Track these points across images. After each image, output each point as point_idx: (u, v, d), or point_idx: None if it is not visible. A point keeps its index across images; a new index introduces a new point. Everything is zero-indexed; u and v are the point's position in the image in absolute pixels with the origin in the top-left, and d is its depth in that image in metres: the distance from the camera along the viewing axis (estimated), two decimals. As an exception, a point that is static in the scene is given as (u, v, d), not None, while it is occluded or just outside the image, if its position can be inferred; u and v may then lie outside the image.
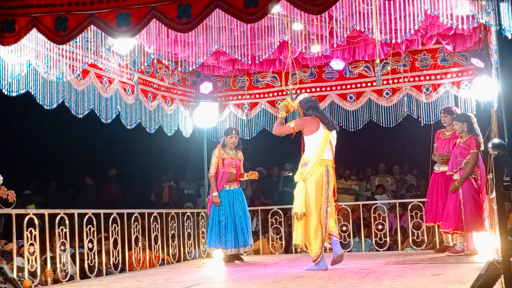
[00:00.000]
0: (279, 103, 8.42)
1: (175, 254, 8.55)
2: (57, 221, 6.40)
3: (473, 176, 7.13)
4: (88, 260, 6.80)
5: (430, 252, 7.92)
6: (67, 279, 6.55)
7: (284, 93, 8.95)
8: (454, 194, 7.18)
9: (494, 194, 6.15)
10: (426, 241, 8.48)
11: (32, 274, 6.09)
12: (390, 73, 8.53)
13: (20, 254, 6.74)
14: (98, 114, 7.11)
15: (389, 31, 6.26)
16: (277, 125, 6.70)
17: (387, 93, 8.72)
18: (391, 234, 9.27)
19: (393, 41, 6.89)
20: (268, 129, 9.22)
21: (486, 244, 7.02)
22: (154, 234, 8.10)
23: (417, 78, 8.57)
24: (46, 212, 6.34)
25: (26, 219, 6.01)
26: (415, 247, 8.50)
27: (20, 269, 6.15)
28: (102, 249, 7.42)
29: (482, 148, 7.17)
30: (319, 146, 6.30)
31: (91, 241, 6.85)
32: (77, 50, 6.21)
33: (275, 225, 9.28)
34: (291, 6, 5.33)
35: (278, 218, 9.23)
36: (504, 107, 4.54)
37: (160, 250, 8.29)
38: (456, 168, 7.22)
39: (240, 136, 8.29)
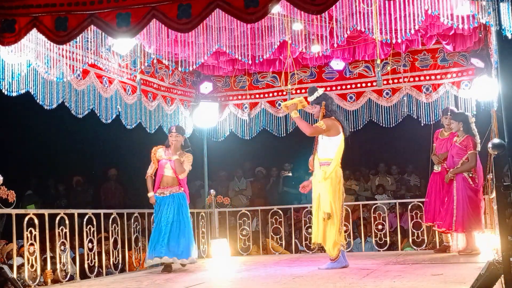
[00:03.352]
0: (280, 103, 8.38)
1: (175, 254, 8.52)
2: (57, 221, 6.41)
3: (470, 175, 7.15)
4: (88, 260, 6.80)
5: (430, 252, 7.92)
6: (67, 279, 6.55)
7: (284, 93, 8.95)
8: (449, 193, 7.21)
9: (494, 194, 6.15)
10: (426, 241, 8.48)
11: (32, 274, 6.09)
12: (390, 73, 8.53)
13: (20, 254, 6.73)
14: (98, 114, 7.11)
15: (389, 31, 6.26)
16: (307, 126, 6.42)
17: (387, 93, 8.72)
18: (391, 234, 9.26)
19: (393, 41, 6.89)
20: (268, 129, 9.22)
21: (486, 244, 7.02)
22: (154, 234, 8.07)
23: (417, 78, 8.57)
24: (46, 212, 6.34)
25: (26, 219, 6.01)
26: (415, 247, 8.50)
27: (20, 269, 6.14)
28: (102, 249, 7.42)
29: (479, 148, 7.21)
30: (339, 148, 6.45)
31: (91, 241, 6.85)
32: (77, 50, 6.22)
33: (275, 225, 9.27)
34: (291, 6, 5.33)
35: (278, 218, 9.21)
36: (504, 107, 4.54)
37: (160, 250, 8.26)
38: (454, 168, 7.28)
39: (240, 136, 8.16)
